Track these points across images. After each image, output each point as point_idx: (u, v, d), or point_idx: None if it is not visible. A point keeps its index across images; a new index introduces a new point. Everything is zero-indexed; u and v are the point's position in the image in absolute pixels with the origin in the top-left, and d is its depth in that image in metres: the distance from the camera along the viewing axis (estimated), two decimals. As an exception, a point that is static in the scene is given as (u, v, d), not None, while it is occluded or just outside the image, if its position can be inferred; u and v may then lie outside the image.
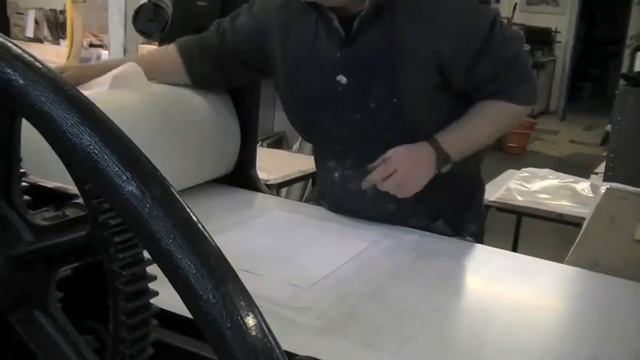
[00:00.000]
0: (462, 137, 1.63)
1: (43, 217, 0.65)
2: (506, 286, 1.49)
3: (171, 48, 1.79)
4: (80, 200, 0.64)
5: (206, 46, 1.78)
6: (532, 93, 1.69)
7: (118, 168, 0.46)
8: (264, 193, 1.96)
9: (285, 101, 1.75)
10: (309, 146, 5.05)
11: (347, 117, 1.64)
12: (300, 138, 5.05)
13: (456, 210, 1.77)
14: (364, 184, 1.58)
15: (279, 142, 5.47)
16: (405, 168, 1.54)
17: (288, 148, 5.32)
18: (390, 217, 1.69)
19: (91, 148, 0.46)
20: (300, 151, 4.97)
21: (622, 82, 4.15)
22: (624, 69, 7.95)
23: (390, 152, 1.56)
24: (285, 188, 3.95)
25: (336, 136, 1.68)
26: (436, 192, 1.62)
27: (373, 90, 1.59)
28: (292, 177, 3.37)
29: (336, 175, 1.72)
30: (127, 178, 0.46)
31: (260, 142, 4.75)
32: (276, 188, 3.16)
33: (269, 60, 1.73)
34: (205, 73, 1.79)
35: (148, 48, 5.47)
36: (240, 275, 0.48)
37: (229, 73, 1.81)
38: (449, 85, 1.60)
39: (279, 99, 1.78)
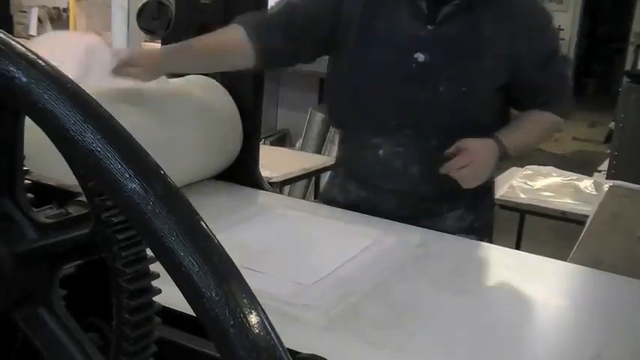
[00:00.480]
0: (520, 138, 1.73)
1: (46, 214, 0.65)
2: (510, 284, 1.49)
3: (233, 27, 1.73)
4: (83, 198, 0.64)
5: (274, 21, 1.75)
6: (571, 111, 1.83)
7: (121, 165, 0.46)
8: (266, 190, 1.96)
9: (345, 73, 1.76)
10: (312, 144, 5.06)
11: (412, 95, 1.68)
12: (302, 136, 5.06)
13: (478, 201, 1.82)
14: (443, 169, 1.61)
15: (282, 140, 5.47)
16: (479, 160, 1.61)
17: (291, 145, 5.32)
18: (424, 199, 1.72)
19: (94, 145, 0.46)
20: (303, 148, 4.98)
21: (626, 79, 4.14)
22: (628, 66, 7.93)
23: (466, 143, 1.60)
24: (288, 186, 3.95)
25: (393, 112, 1.71)
26: None
27: (446, 74, 1.66)
28: (295, 175, 3.37)
29: (381, 152, 1.73)
30: (130, 175, 0.46)
31: (263, 140, 4.75)
32: (279, 186, 3.16)
33: (338, 29, 1.73)
34: (275, 48, 1.74)
35: (151, 46, 5.47)
36: (242, 273, 0.48)
37: (298, 47, 1.78)
38: (511, 88, 1.70)
39: (333, 72, 1.81)
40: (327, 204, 1.85)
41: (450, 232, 1.71)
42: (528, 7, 1.74)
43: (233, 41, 1.73)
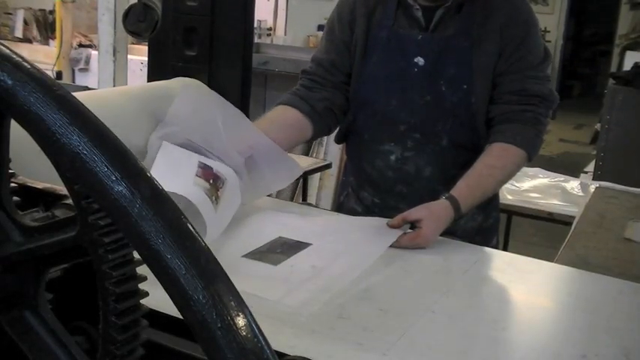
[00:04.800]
0: (477, 194, 1.69)
1: (32, 217, 0.65)
2: (497, 284, 1.49)
3: (284, 108, 1.85)
4: (69, 201, 0.64)
5: (315, 90, 1.85)
6: (537, 148, 1.78)
7: (107, 168, 0.46)
8: (254, 193, 1.95)
9: (355, 83, 1.84)
10: (299, 146, 5.05)
11: (417, 98, 1.76)
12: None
13: (487, 201, 1.83)
14: (390, 222, 1.60)
15: (269, 142, 5.46)
16: (430, 237, 1.57)
17: (279, 148, 5.31)
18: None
19: (80, 148, 0.46)
20: (290, 151, 4.97)
21: (611, 80, 4.17)
22: (613, 67, 7.98)
23: (413, 214, 1.57)
24: (276, 188, 3.94)
25: (401, 117, 1.78)
26: None
27: (446, 74, 1.75)
28: (283, 177, 3.36)
29: (393, 157, 1.81)
30: (117, 178, 0.46)
31: (250, 142, 4.74)
32: (266, 188, 3.15)
33: (354, 51, 1.83)
34: (328, 109, 1.86)
35: (138, 48, 5.46)
36: (229, 275, 0.48)
37: (342, 94, 1.87)
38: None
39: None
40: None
41: (460, 233, 1.76)
42: (514, 7, 1.78)
43: (295, 121, 1.85)
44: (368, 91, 1.82)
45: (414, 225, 1.57)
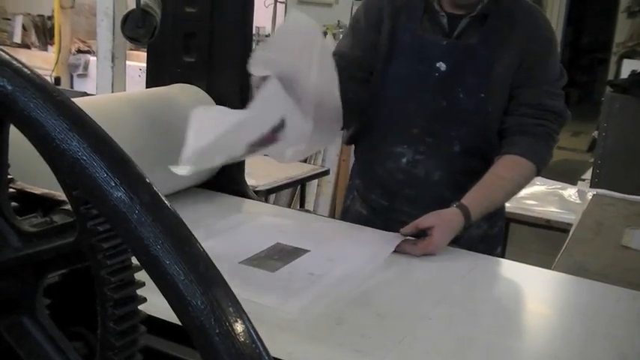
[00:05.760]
0: (488, 204, 1.72)
1: (30, 223, 0.65)
2: (494, 291, 1.49)
3: None
4: (68, 206, 0.64)
5: (343, 77, 1.74)
6: (547, 163, 1.81)
7: (107, 174, 0.46)
8: (252, 199, 1.95)
9: (377, 83, 1.84)
10: (297, 152, 5.06)
11: (434, 102, 1.77)
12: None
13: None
14: (402, 230, 1.61)
15: (267, 149, 5.46)
16: (441, 244, 1.58)
17: (277, 154, 5.31)
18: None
19: (80, 154, 0.46)
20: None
21: (608, 88, 4.17)
22: (611, 75, 7.99)
23: (425, 221, 1.58)
24: (274, 194, 3.95)
25: (416, 121, 1.79)
26: None
27: (465, 81, 1.76)
28: (280, 183, 3.36)
29: (404, 160, 1.81)
30: (116, 184, 0.46)
31: (248, 148, 4.74)
32: (264, 194, 3.15)
33: (379, 51, 1.83)
34: (354, 102, 1.79)
35: (137, 54, 5.47)
36: (228, 281, 0.48)
37: (362, 93, 1.84)
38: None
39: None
40: (352, 219, 1.88)
41: (465, 240, 1.73)
42: (536, 23, 1.81)
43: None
44: (388, 92, 1.82)
45: (424, 232, 1.58)
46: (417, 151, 1.80)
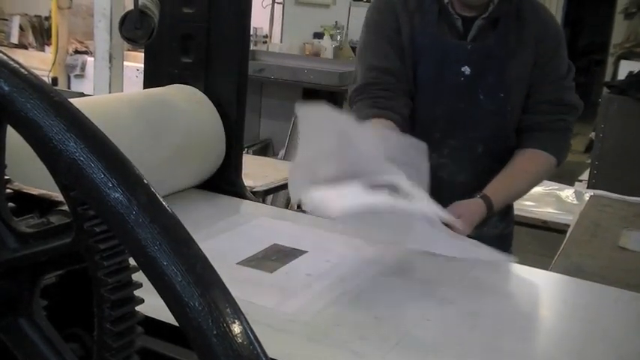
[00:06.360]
0: (510, 196, 1.83)
1: (27, 224, 0.65)
2: (492, 292, 1.49)
3: (385, 122, 1.77)
4: (65, 207, 0.64)
5: (392, 94, 1.80)
6: (566, 155, 1.91)
7: (104, 175, 0.46)
8: (249, 200, 1.95)
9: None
10: (295, 153, 5.06)
11: (456, 106, 1.80)
12: (285, 145, 5.06)
13: (509, 209, 1.94)
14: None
15: (265, 149, 5.47)
16: (465, 232, 1.61)
17: (274, 155, 5.32)
18: None
19: (77, 155, 0.46)
20: (286, 158, 4.98)
21: (605, 90, 4.18)
22: (608, 77, 7.99)
23: (453, 214, 1.60)
24: (271, 195, 3.94)
25: (440, 124, 1.82)
26: None
27: (485, 83, 1.80)
28: (278, 184, 3.36)
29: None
30: (113, 185, 0.46)
31: (246, 149, 4.75)
32: (262, 195, 3.15)
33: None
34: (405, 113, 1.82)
35: (134, 55, 5.46)
36: (226, 282, 0.48)
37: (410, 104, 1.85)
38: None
39: None
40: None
41: (482, 240, 1.72)
42: (544, 20, 1.86)
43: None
44: (413, 98, 1.83)
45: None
46: (442, 155, 1.82)
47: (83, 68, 6.49)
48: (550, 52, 1.83)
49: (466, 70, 1.79)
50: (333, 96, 4.94)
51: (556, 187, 3.60)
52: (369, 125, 1.70)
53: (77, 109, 0.49)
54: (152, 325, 0.65)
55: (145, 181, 0.48)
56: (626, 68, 4.95)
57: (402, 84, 1.83)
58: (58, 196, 0.67)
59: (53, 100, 0.48)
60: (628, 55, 7.93)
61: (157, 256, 0.45)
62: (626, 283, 1.64)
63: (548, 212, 3.24)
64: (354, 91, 1.87)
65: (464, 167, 1.83)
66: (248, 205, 1.91)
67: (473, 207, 1.69)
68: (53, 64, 6.32)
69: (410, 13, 1.82)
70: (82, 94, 3.72)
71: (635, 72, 4.18)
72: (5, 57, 0.49)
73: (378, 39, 1.86)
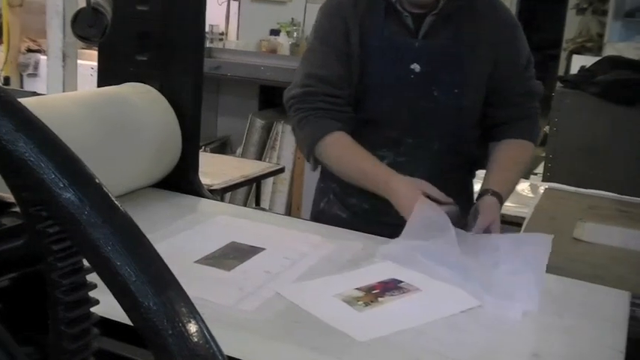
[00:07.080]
0: (511, 187, 1.87)
1: (-22, 226, 0.64)
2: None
3: (338, 134, 1.78)
4: (17, 209, 0.63)
5: (337, 107, 1.80)
6: (540, 137, 1.99)
7: (55, 175, 0.45)
8: (207, 198, 1.94)
9: (355, 92, 1.83)
10: (252, 150, 5.05)
11: (411, 104, 1.79)
12: (243, 142, 5.04)
13: (470, 204, 1.90)
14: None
15: (222, 147, 5.44)
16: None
17: (232, 152, 5.30)
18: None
19: (27, 155, 0.46)
20: (243, 155, 4.96)
21: (559, 84, 4.23)
22: (561, 71, 8.12)
23: (488, 221, 1.67)
24: (229, 193, 3.93)
25: (395, 123, 1.81)
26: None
27: (439, 79, 1.79)
28: (236, 182, 3.35)
29: (385, 162, 1.80)
30: (65, 185, 0.45)
31: (203, 147, 4.72)
32: (219, 193, 3.14)
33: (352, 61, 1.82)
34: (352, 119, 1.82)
35: (89, 53, 5.39)
36: (182, 282, 0.47)
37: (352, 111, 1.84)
38: (490, 94, 1.86)
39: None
40: (328, 222, 1.84)
41: None
42: (498, 13, 1.87)
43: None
44: (366, 99, 1.82)
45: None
46: (398, 153, 1.82)
47: (36, 67, 6.39)
48: (508, 43, 1.84)
49: (416, 67, 1.78)
50: (290, 93, 4.92)
51: (512, 181, 3.64)
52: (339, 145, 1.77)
53: (26, 108, 0.48)
54: (108, 326, 0.65)
55: (98, 181, 0.48)
56: (578, 62, 5.03)
57: (344, 91, 1.80)
58: (9, 197, 0.66)
59: (1, 100, 0.47)
60: (580, 50, 8.07)
61: (111, 256, 0.44)
62: (582, 274, 1.67)
63: (504, 205, 3.28)
64: (291, 98, 1.85)
65: (422, 164, 1.81)
66: (206, 204, 1.90)
67: (496, 207, 1.72)
68: (5, 63, 6.21)
69: (359, 15, 1.80)
70: (34, 94, 3.66)
71: (587, 66, 4.25)
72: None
73: (322, 45, 1.85)
